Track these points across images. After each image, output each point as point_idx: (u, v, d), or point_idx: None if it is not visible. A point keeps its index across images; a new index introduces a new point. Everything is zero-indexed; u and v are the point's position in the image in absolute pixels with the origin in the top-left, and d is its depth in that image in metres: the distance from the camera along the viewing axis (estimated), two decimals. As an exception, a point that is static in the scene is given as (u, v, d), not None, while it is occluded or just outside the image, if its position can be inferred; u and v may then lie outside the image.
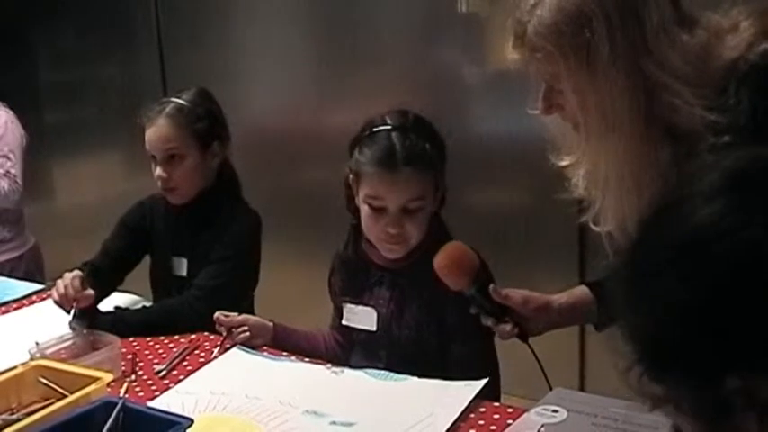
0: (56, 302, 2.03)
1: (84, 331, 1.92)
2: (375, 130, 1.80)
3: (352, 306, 1.92)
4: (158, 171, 2.17)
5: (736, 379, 0.63)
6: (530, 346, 1.66)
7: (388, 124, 1.80)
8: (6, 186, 3.06)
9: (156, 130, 2.17)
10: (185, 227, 2.24)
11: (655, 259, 0.69)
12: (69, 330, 1.92)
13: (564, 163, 1.46)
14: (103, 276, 2.19)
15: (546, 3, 1.31)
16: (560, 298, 1.68)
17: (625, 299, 0.70)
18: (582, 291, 1.70)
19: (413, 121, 1.82)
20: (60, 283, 2.02)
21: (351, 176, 1.84)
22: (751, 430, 0.64)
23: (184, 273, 2.23)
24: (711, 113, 1.24)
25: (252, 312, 2.17)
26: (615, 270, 0.74)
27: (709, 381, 0.65)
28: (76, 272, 2.04)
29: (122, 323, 2.04)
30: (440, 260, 1.64)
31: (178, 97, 2.21)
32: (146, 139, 2.19)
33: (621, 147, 1.31)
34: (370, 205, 1.79)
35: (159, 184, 2.19)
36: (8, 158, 3.09)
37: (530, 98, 1.41)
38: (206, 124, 2.19)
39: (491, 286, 1.61)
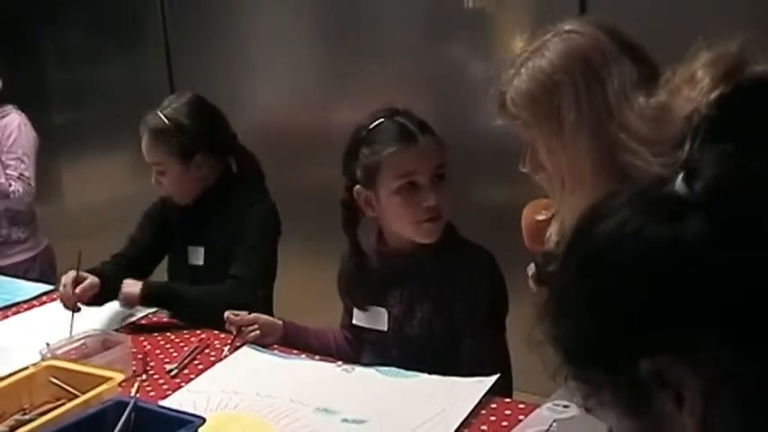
0: (63, 305, 2.07)
1: (99, 331, 1.94)
2: (372, 126, 1.81)
3: (363, 306, 1.92)
4: (153, 177, 2.27)
5: (648, 362, 0.69)
6: None
7: (381, 117, 1.82)
8: (21, 189, 3.09)
9: (143, 143, 2.25)
10: (201, 216, 2.28)
11: (568, 268, 0.78)
12: (80, 330, 1.93)
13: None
14: (132, 265, 2.27)
15: (522, 74, 1.41)
16: None
17: (547, 309, 0.78)
18: None
19: (402, 109, 1.85)
20: (63, 279, 2.09)
21: (359, 187, 1.83)
22: (671, 412, 0.69)
23: (201, 262, 2.28)
24: (668, 170, 1.26)
25: (271, 304, 2.23)
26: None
27: (624, 368, 0.71)
28: (71, 273, 2.07)
29: (173, 295, 2.12)
30: (538, 214, 1.59)
31: (164, 108, 2.24)
32: None
33: (586, 202, 1.35)
34: (400, 188, 1.78)
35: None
36: (22, 161, 3.12)
37: (520, 159, 1.50)
38: (185, 138, 2.21)
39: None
